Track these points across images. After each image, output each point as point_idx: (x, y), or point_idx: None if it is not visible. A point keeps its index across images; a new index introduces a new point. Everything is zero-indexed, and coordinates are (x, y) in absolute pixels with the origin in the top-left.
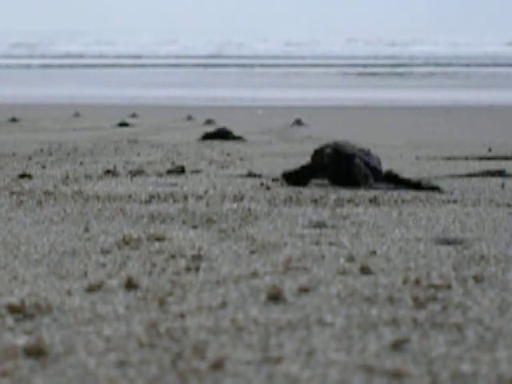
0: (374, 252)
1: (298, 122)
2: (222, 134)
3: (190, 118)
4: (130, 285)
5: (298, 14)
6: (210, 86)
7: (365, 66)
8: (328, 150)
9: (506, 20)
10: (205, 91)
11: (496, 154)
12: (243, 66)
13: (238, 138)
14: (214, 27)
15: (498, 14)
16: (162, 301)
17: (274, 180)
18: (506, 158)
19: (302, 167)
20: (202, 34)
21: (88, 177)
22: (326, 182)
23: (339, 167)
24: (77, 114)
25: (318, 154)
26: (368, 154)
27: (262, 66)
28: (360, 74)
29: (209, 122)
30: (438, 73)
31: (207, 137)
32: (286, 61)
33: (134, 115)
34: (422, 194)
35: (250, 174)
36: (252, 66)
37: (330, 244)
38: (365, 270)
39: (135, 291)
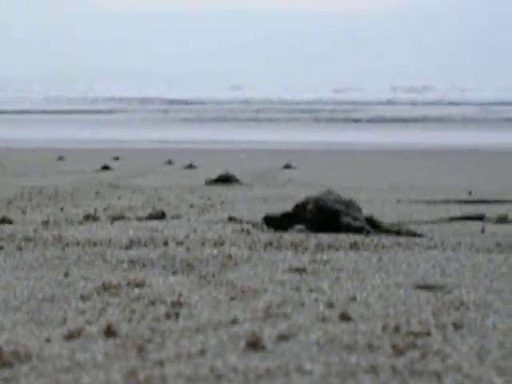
0: (354, 298)
1: (288, 166)
2: (226, 179)
3: (170, 162)
4: (110, 332)
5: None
6: (190, 129)
7: (349, 111)
8: (310, 207)
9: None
10: (186, 134)
11: (476, 198)
12: (223, 110)
13: (239, 182)
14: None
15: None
16: (141, 348)
17: (254, 225)
18: (486, 202)
19: (284, 214)
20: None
21: (68, 221)
22: (306, 226)
23: (322, 224)
24: (61, 158)
25: (299, 208)
26: (348, 204)
27: (240, 111)
28: (343, 119)
29: (190, 166)
30: (422, 117)
31: (215, 181)
32: (269, 106)
33: (116, 158)
34: (401, 239)
35: (231, 219)
36: (230, 110)
37: (310, 290)
38: (344, 317)
39: (114, 338)
